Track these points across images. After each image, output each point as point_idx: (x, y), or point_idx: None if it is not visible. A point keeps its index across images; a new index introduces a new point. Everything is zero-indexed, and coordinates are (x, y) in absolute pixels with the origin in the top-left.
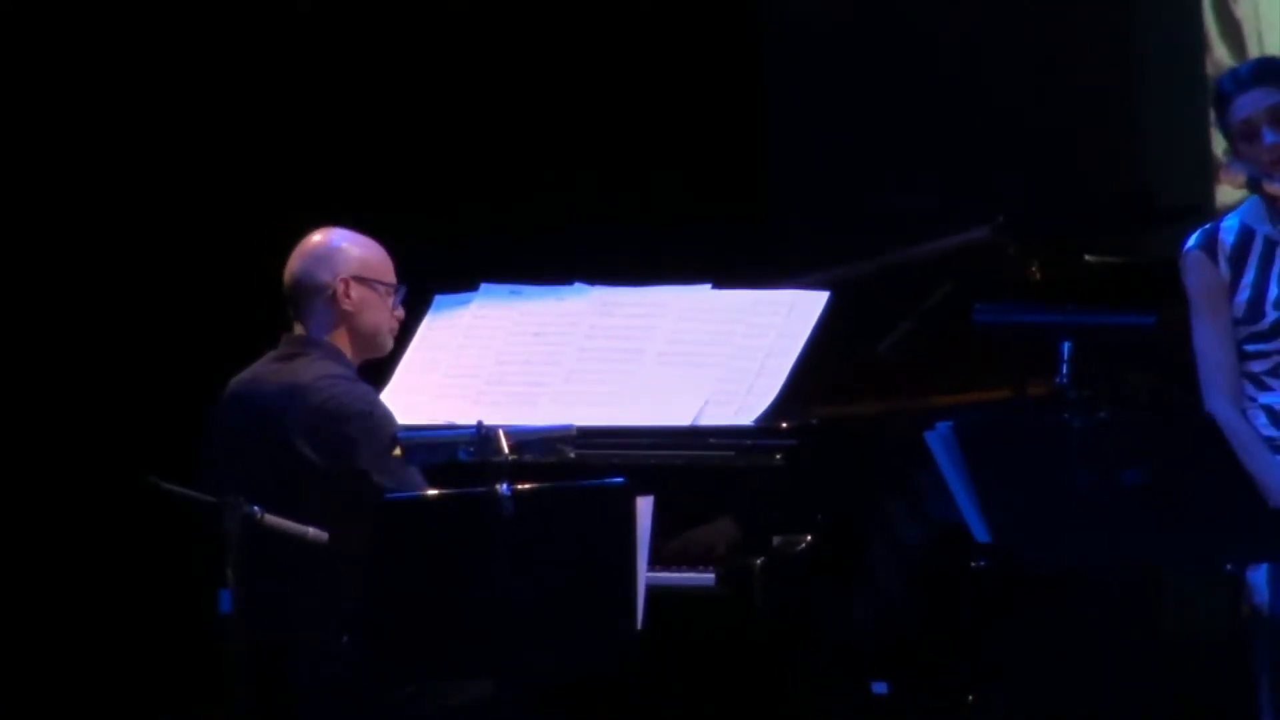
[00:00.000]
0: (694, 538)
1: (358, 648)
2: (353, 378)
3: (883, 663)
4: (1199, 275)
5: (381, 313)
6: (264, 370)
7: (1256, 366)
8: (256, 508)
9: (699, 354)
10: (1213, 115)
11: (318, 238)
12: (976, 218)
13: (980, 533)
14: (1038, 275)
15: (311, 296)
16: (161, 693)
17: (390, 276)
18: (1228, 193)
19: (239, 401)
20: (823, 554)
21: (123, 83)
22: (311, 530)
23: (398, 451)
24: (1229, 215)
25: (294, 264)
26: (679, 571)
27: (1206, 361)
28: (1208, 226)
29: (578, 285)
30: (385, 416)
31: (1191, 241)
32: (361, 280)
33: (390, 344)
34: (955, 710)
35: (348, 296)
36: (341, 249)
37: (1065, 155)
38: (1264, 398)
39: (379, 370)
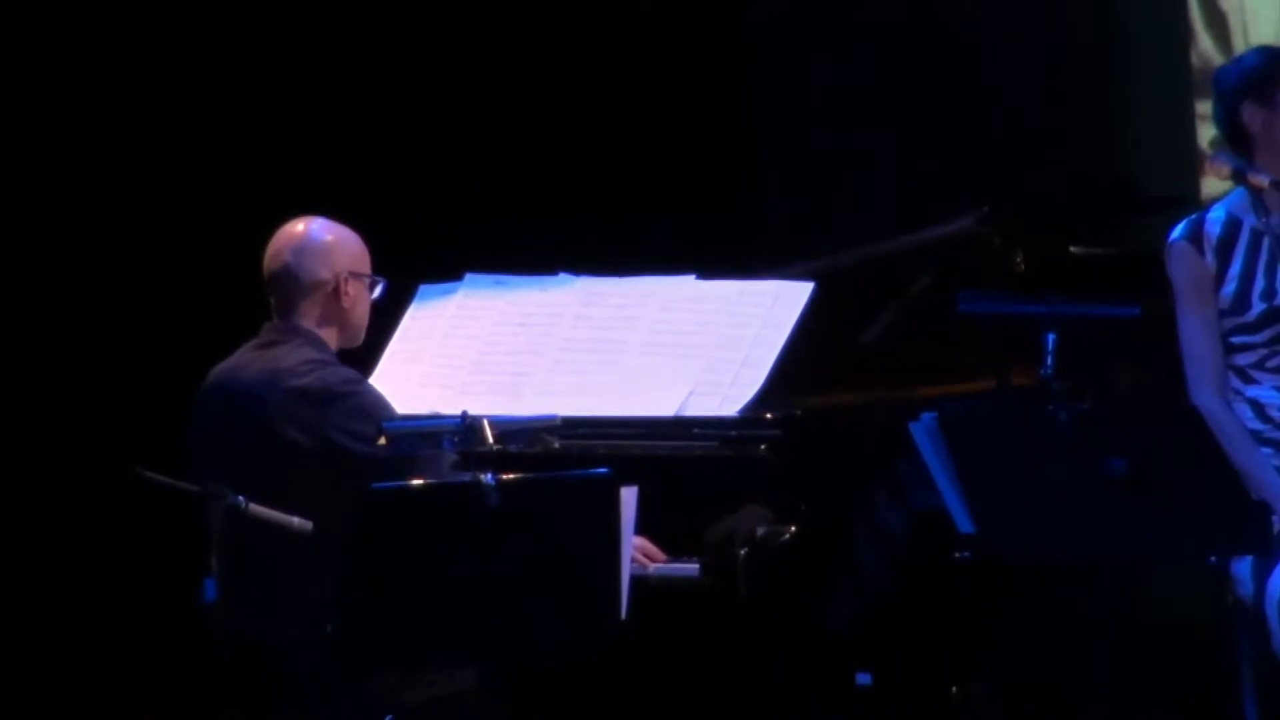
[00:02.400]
0: (678, 528)
1: (341, 637)
2: (336, 362)
3: (867, 653)
4: (1185, 266)
5: (368, 304)
6: (245, 358)
7: (1242, 359)
8: (241, 497)
9: (683, 344)
10: (1220, 97)
11: (303, 228)
12: (962, 208)
13: (964, 523)
14: (1022, 266)
15: (308, 290)
16: (145, 682)
17: (369, 267)
18: (1213, 184)
19: (220, 390)
20: (807, 545)
21: (100, 75)
22: (296, 520)
23: (382, 440)
24: (1215, 206)
25: (284, 255)
26: (663, 562)
27: (1193, 353)
28: (1194, 217)
29: (562, 275)
30: (372, 393)
31: (1177, 232)
32: (356, 275)
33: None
34: (939, 701)
35: (347, 293)
36: (337, 243)
37: (1051, 146)
38: (1250, 391)
39: (364, 360)
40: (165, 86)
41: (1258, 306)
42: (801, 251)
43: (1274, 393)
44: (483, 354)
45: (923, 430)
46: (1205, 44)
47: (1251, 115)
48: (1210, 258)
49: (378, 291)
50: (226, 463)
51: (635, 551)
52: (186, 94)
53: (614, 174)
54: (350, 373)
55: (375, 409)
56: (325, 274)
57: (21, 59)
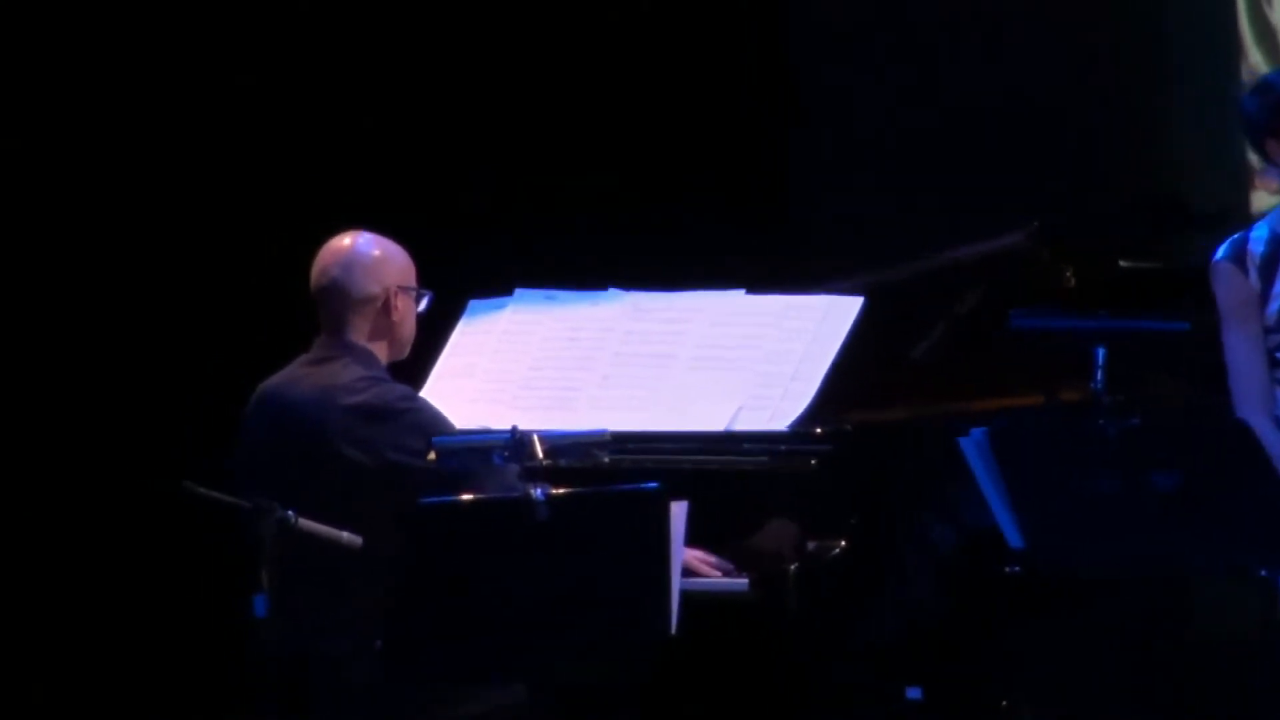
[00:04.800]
0: (728, 543)
1: (390, 652)
2: (389, 379)
3: (917, 668)
4: (1229, 286)
5: (414, 318)
6: (297, 373)
7: None
8: (291, 512)
9: (733, 359)
10: (1247, 130)
11: (350, 242)
12: (1010, 223)
13: (1014, 538)
14: (1072, 281)
15: (357, 306)
16: (195, 697)
17: (416, 281)
18: (1263, 198)
19: (272, 405)
20: (856, 559)
21: (155, 91)
22: (346, 535)
23: (432, 456)
24: (1258, 224)
25: (332, 270)
26: (727, 572)
27: (1238, 371)
28: (1236, 237)
29: (612, 290)
30: (429, 410)
31: (1220, 252)
32: (404, 290)
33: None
34: (988, 716)
35: (396, 308)
36: (386, 258)
37: (1100, 161)
38: None
39: (413, 375)
40: (212, 100)
41: None
42: (849, 267)
43: None
44: (533, 369)
45: (972, 445)
46: (1255, 57)
47: (1275, 150)
48: (1254, 276)
49: (424, 305)
50: (278, 478)
51: (698, 562)
52: (232, 106)
53: (664, 188)
54: (405, 389)
55: (433, 425)
56: (375, 289)
57: (73, 76)
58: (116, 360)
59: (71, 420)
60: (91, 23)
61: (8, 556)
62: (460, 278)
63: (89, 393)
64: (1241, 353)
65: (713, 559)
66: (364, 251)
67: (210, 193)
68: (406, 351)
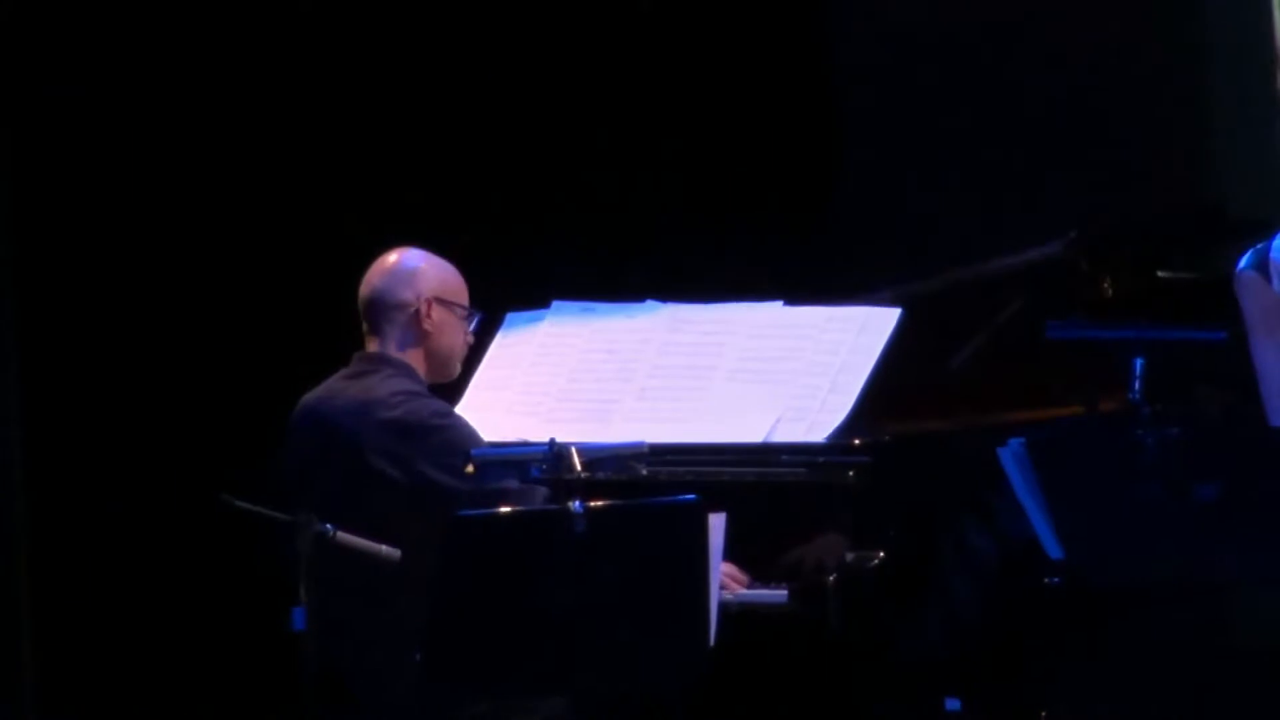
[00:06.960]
0: (766, 555)
1: (428, 665)
2: (426, 393)
3: (956, 679)
4: (1254, 296)
5: (458, 336)
6: (336, 387)
7: None
8: (329, 525)
9: (771, 371)
10: None
11: (396, 257)
12: (1048, 233)
13: (1053, 549)
14: (1110, 291)
15: (392, 314)
16: (234, 711)
17: (466, 300)
18: None
19: (311, 418)
20: (896, 570)
21: (197, 102)
22: (385, 548)
23: (470, 469)
24: (1279, 234)
25: (374, 280)
26: (752, 589)
27: (1270, 382)
28: (1259, 246)
29: (650, 302)
30: (464, 427)
31: (1243, 263)
32: (442, 302)
33: (459, 369)
34: None
35: (429, 317)
36: (424, 269)
37: (1138, 171)
38: None
39: (451, 388)
40: (261, 117)
41: None
42: (888, 278)
43: None
44: (570, 381)
45: (1011, 456)
46: None
47: None
48: (1278, 284)
49: (473, 325)
50: (318, 492)
51: (723, 576)
52: (281, 124)
53: (701, 200)
54: (441, 405)
55: (466, 442)
56: (408, 296)
57: (128, 90)
58: (159, 373)
59: (113, 434)
60: (160, 45)
61: (51, 570)
62: (497, 290)
63: (131, 406)
64: (1271, 361)
65: (739, 574)
66: (405, 264)
67: (257, 208)
68: (453, 371)
